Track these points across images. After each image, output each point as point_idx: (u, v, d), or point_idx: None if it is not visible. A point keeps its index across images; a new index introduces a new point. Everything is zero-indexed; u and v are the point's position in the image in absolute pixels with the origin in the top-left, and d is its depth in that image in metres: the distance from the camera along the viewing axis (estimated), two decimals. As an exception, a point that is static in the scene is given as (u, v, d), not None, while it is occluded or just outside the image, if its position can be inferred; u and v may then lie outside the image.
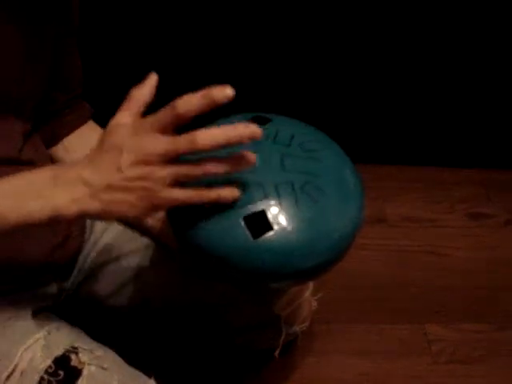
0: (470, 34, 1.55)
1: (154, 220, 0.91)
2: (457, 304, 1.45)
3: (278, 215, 0.70)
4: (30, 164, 0.87)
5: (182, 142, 0.64)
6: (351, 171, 0.78)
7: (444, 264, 1.55)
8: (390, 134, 1.72)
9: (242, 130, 0.65)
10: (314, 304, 1.18)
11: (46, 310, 0.92)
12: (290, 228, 0.70)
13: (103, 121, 1.03)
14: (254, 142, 0.73)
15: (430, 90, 1.66)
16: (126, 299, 1.02)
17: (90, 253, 1.01)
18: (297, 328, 1.15)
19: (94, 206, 0.67)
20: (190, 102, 0.65)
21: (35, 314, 0.88)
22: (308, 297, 1.14)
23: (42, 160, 0.91)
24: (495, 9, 1.51)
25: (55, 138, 0.99)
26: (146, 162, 0.65)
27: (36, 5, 0.84)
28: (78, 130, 1.00)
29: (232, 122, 0.76)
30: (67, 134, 0.99)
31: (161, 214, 0.90)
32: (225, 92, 0.64)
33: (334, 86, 1.64)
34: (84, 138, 1.00)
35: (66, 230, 0.94)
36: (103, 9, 1.46)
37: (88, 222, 1.02)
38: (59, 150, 0.99)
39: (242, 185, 0.70)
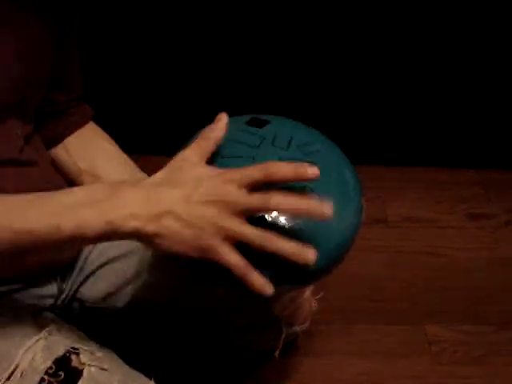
0: (470, 35, 1.55)
1: None
2: (457, 304, 1.45)
3: (277, 219, 0.69)
4: (31, 165, 0.87)
5: (257, 200, 0.64)
6: (351, 173, 0.77)
7: (444, 264, 1.55)
8: (389, 135, 1.72)
9: (314, 206, 0.65)
10: (314, 304, 1.18)
11: (47, 311, 0.92)
12: (292, 232, 0.69)
13: (103, 122, 1.04)
14: (252, 147, 0.73)
15: (429, 91, 1.66)
16: (126, 300, 1.02)
17: (90, 253, 1.01)
18: (297, 328, 1.15)
19: (151, 227, 0.64)
20: (282, 168, 0.65)
21: (35, 315, 0.88)
22: (308, 297, 1.14)
23: (42, 161, 0.91)
24: (495, 9, 1.51)
25: (56, 139, 0.99)
26: (217, 206, 0.63)
27: (38, 5, 0.84)
28: (79, 131, 1.00)
29: (230, 124, 0.75)
30: (68, 135, 0.99)
31: None
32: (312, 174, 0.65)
33: (334, 87, 1.64)
34: (85, 139, 1.00)
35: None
36: (103, 9, 1.46)
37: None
38: (60, 151, 0.99)
39: None
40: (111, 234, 0.66)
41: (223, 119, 0.70)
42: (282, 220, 0.69)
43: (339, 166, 0.77)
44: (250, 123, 0.77)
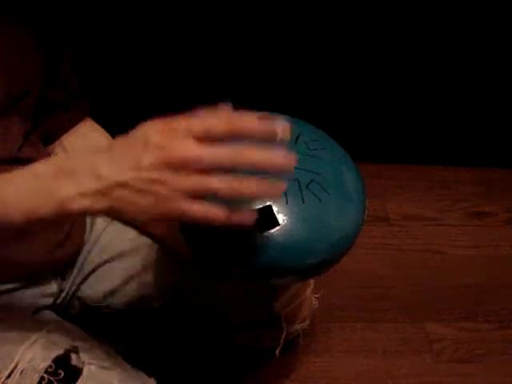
0: (471, 36, 1.55)
1: (162, 224, 0.90)
2: (457, 302, 1.45)
3: (284, 211, 0.70)
4: (30, 162, 0.87)
5: (221, 154, 0.59)
6: (354, 172, 0.78)
7: (445, 262, 1.55)
8: (390, 133, 1.72)
9: (279, 158, 0.59)
10: (315, 302, 1.18)
11: (47, 310, 0.92)
12: (295, 224, 0.70)
13: (102, 119, 1.03)
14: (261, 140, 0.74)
15: (430, 89, 1.66)
16: (125, 298, 1.02)
17: (90, 252, 1.01)
18: (298, 326, 1.15)
19: (102, 202, 0.61)
20: (248, 121, 0.60)
21: (35, 314, 0.88)
22: (309, 295, 1.14)
23: (41, 158, 0.91)
24: (494, 8, 1.51)
25: (53, 136, 0.98)
26: (170, 165, 0.58)
27: (33, 4, 0.84)
28: (76, 127, 1.00)
29: None
30: (65, 131, 0.99)
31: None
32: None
33: (335, 85, 1.64)
34: (82, 136, 1.00)
35: (67, 229, 0.94)
36: (102, 7, 1.45)
37: (88, 220, 1.02)
38: (57, 147, 0.99)
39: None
40: (65, 214, 0.63)
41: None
42: (278, 216, 0.70)
43: (343, 164, 0.78)
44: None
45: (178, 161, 0.58)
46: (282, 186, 0.61)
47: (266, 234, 0.70)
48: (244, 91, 1.59)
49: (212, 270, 0.78)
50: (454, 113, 1.70)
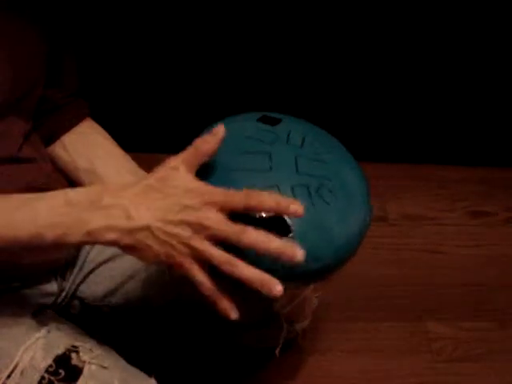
0: (472, 36, 1.55)
1: None
2: (457, 302, 1.45)
3: (296, 218, 0.70)
4: (30, 163, 0.87)
5: (232, 230, 0.65)
6: (359, 174, 0.78)
7: (444, 262, 1.55)
8: (390, 133, 1.72)
9: (286, 249, 0.65)
10: (315, 302, 1.18)
11: (47, 309, 0.92)
12: (307, 230, 0.70)
13: (102, 119, 1.03)
14: (268, 144, 0.73)
15: (430, 88, 1.66)
16: (126, 297, 1.02)
17: (90, 251, 1.01)
18: (297, 326, 1.15)
19: (127, 240, 0.67)
20: (265, 201, 0.65)
21: (36, 313, 0.88)
22: (308, 295, 1.14)
23: (41, 159, 0.91)
24: (493, 8, 1.51)
25: (53, 137, 0.98)
26: (195, 229, 0.65)
27: (34, 4, 0.84)
28: (76, 127, 1.00)
29: (240, 121, 0.76)
30: (65, 131, 0.99)
31: None
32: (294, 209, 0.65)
33: (335, 85, 1.64)
34: (82, 136, 1.00)
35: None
36: (102, 7, 1.45)
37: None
38: (58, 148, 0.99)
39: (260, 187, 0.70)
40: (91, 242, 0.69)
41: (220, 133, 0.70)
42: (290, 222, 0.69)
43: (349, 168, 0.78)
44: (263, 121, 0.77)
45: (204, 229, 0.65)
46: (279, 289, 0.65)
47: None
48: (246, 91, 1.59)
49: (213, 276, 0.78)
50: (453, 112, 1.70)
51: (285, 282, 0.75)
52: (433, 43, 1.57)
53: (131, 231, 0.66)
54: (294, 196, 0.70)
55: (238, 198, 0.65)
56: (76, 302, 1.01)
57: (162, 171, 0.68)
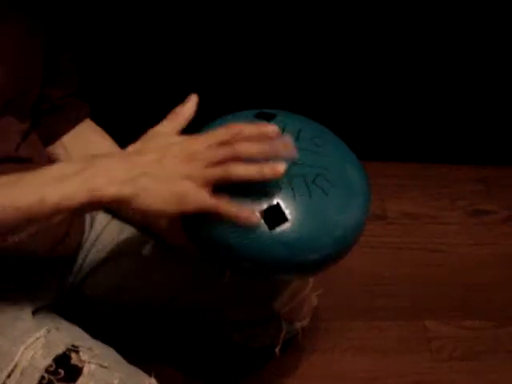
0: (469, 35, 1.55)
1: (166, 220, 0.92)
2: (456, 301, 1.45)
3: (292, 207, 0.71)
4: (28, 162, 0.87)
5: (223, 150, 0.68)
6: (358, 166, 0.79)
7: (444, 261, 1.55)
8: (389, 131, 1.72)
9: (278, 145, 0.70)
10: (314, 301, 1.18)
11: (46, 309, 0.92)
12: (304, 220, 0.71)
13: (102, 120, 1.03)
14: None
15: (429, 87, 1.66)
16: (126, 297, 1.02)
17: (90, 250, 1.01)
18: (297, 325, 1.15)
19: (128, 189, 0.67)
20: (245, 128, 0.70)
21: (35, 313, 0.88)
22: (308, 294, 1.14)
23: (39, 158, 0.91)
24: (491, 7, 1.51)
25: (53, 137, 0.99)
26: (187, 162, 0.68)
27: (29, 3, 0.84)
28: (76, 127, 1.00)
29: (236, 119, 0.77)
30: (65, 132, 0.99)
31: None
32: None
33: (334, 83, 1.64)
34: (82, 137, 1.00)
35: (66, 227, 0.94)
36: (102, 7, 1.45)
37: (88, 218, 1.02)
38: (57, 148, 0.99)
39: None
40: (94, 203, 0.68)
41: (193, 99, 0.75)
42: (287, 213, 0.70)
43: (346, 157, 0.79)
44: (258, 117, 0.78)
45: (197, 160, 0.68)
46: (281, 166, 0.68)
47: (275, 230, 0.70)
48: (245, 91, 1.59)
49: (215, 265, 0.79)
50: (452, 111, 1.70)
51: (284, 273, 0.76)
52: (430, 41, 1.57)
53: (130, 180, 0.67)
54: (292, 187, 0.71)
55: (219, 131, 0.70)
56: (76, 301, 1.02)
57: (146, 136, 0.72)
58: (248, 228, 0.70)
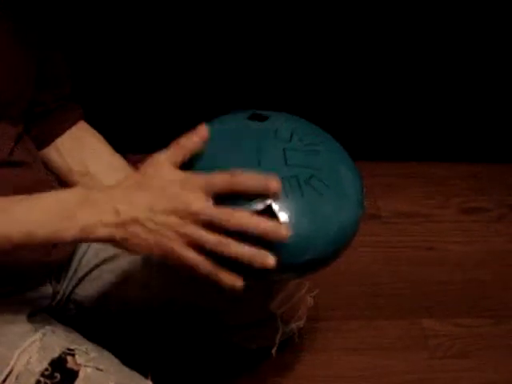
0: (466, 34, 1.55)
1: None
2: (453, 298, 1.45)
3: (285, 209, 0.70)
4: (22, 166, 0.87)
5: (222, 215, 0.67)
6: (351, 165, 0.79)
7: (439, 259, 1.55)
8: (382, 130, 1.72)
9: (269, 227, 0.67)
10: (310, 301, 1.18)
11: (42, 312, 0.92)
12: (297, 220, 0.70)
13: (96, 122, 1.03)
14: (256, 139, 0.74)
15: (421, 86, 1.66)
16: (121, 300, 1.02)
17: (85, 253, 1.01)
18: (293, 326, 1.15)
19: (120, 233, 0.69)
20: (247, 180, 0.68)
21: (30, 317, 0.88)
22: (304, 294, 1.14)
23: (33, 162, 0.91)
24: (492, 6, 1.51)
25: (46, 140, 0.98)
26: (178, 214, 0.67)
27: (20, 7, 0.83)
28: (70, 130, 0.99)
29: (229, 120, 0.76)
30: (58, 135, 0.99)
31: None
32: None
33: (328, 83, 1.64)
34: (76, 139, 1.00)
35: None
36: (98, 9, 1.45)
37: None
38: (51, 151, 0.99)
39: None
40: (85, 239, 0.71)
41: (201, 133, 0.72)
42: (280, 215, 0.70)
43: (340, 157, 0.78)
44: (251, 118, 0.78)
45: (187, 213, 0.67)
46: (271, 259, 0.67)
47: None
48: (240, 91, 1.59)
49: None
50: (445, 109, 1.70)
51: (278, 273, 0.75)
52: (426, 39, 1.57)
53: (122, 225, 0.68)
54: (284, 187, 0.71)
55: (220, 177, 0.68)
56: (71, 305, 1.01)
57: (147, 167, 0.71)
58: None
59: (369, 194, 1.65)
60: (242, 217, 0.67)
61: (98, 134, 1.03)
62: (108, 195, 0.71)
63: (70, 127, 0.99)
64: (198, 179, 0.68)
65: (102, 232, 0.69)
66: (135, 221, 0.68)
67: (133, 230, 0.68)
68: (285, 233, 0.67)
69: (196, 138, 0.72)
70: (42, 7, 0.88)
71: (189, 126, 0.76)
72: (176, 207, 0.67)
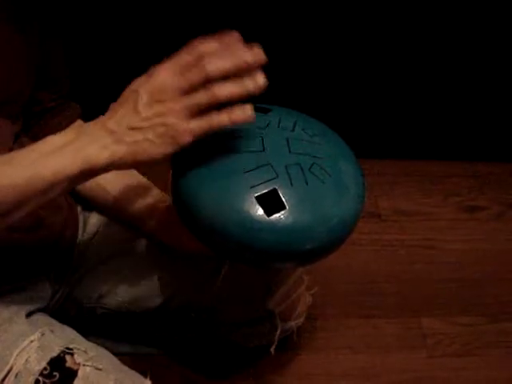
0: (465, 33, 1.55)
1: (156, 220, 0.92)
2: (451, 297, 1.45)
3: (290, 194, 0.71)
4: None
5: (193, 74, 0.66)
6: (352, 157, 0.80)
7: (438, 257, 1.55)
8: (381, 128, 1.72)
9: (247, 55, 0.69)
10: (309, 299, 1.18)
11: (41, 312, 0.92)
12: (302, 207, 0.71)
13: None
14: (259, 127, 0.76)
15: (421, 84, 1.66)
16: (120, 298, 1.02)
17: (83, 253, 1.01)
18: (292, 324, 1.15)
19: (120, 149, 0.68)
20: (219, 63, 0.67)
21: (29, 316, 0.88)
22: (303, 292, 1.14)
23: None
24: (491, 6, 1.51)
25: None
26: (160, 99, 0.67)
27: (21, 5, 0.83)
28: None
29: None
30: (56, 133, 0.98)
31: (161, 216, 0.91)
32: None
33: (327, 81, 1.64)
34: None
35: (60, 228, 0.93)
36: (97, 8, 1.45)
37: (81, 221, 1.02)
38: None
39: (253, 165, 0.72)
40: (89, 170, 0.69)
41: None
42: (295, 198, 0.71)
43: (341, 150, 0.80)
44: (255, 110, 0.78)
45: (165, 93, 0.67)
46: (261, 75, 0.70)
47: (272, 217, 0.70)
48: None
49: (213, 253, 0.78)
50: (444, 107, 1.70)
51: (279, 261, 0.76)
52: (425, 39, 1.57)
53: (120, 139, 0.68)
54: (288, 174, 0.72)
55: (183, 55, 0.69)
56: (70, 305, 1.01)
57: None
58: (245, 215, 0.70)
59: (368, 192, 1.64)
60: (216, 63, 0.67)
61: None
62: (97, 122, 0.70)
63: (67, 126, 0.99)
64: (163, 65, 0.69)
65: (105, 155, 0.68)
66: (129, 129, 0.68)
67: (132, 139, 0.68)
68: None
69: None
70: (41, 7, 0.87)
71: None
72: (153, 94, 0.67)
